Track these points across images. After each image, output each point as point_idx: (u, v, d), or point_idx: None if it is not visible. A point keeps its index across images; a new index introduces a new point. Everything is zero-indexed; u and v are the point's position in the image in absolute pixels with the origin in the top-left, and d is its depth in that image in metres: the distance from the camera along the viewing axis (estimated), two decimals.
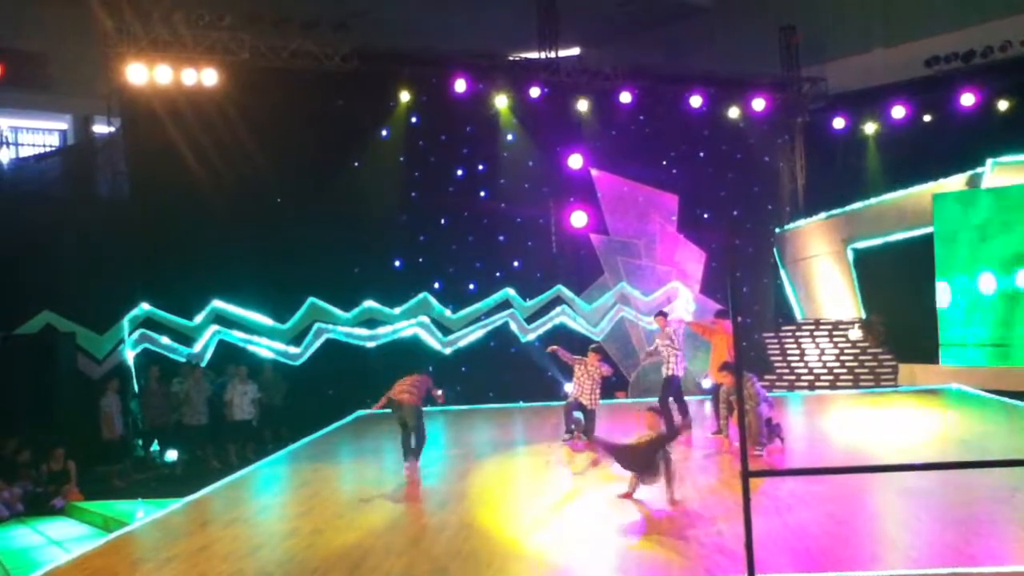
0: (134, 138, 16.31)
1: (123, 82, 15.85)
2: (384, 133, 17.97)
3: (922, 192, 17.89)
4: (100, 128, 18.17)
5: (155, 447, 15.42)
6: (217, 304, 16.48)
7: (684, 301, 18.76)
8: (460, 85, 17.94)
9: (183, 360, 15.87)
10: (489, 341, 18.00)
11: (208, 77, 16.17)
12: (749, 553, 4.43)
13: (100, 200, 16.49)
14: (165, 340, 16.13)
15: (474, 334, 18.19)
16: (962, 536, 7.17)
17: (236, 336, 16.60)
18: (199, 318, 16.38)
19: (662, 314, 12.54)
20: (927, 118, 18.63)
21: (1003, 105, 17.69)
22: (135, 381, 15.16)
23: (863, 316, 18.68)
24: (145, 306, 16.02)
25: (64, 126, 20.12)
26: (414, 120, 18.16)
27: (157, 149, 15.89)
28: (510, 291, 18.46)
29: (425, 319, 17.99)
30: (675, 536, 7.61)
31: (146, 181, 16.14)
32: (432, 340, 17.96)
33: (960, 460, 9.31)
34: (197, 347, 16.27)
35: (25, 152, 19.39)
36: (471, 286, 18.43)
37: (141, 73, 15.75)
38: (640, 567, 6.87)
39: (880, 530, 7.68)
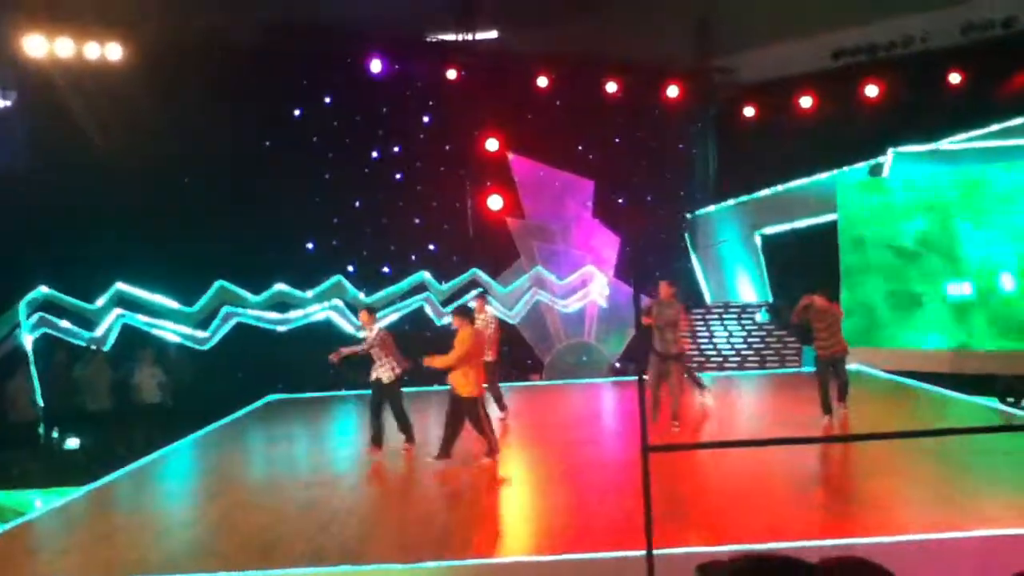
0: (31, 112, 15.66)
1: (20, 54, 15.14)
2: (297, 112, 17.64)
3: (827, 180, 18.45)
4: None
5: (56, 434, 14.91)
6: (120, 287, 15.97)
7: (599, 285, 18.98)
8: (376, 65, 17.71)
9: (84, 344, 15.36)
10: (404, 325, 17.86)
11: (112, 52, 15.59)
12: (648, 529, 4.51)
13: None
14: (65, 324, 15.55)
15: (388, 317, 18.02)
16: (853, 507, 7.48)
17: (141, 320, 16.12)
18: (101, 301, 15.85)
19: (370, 310, 10.88)
20: (833, 108, 19.18)
21: (904, 97, 18.33)
22: (33, 366, 14.60)
23: (770, 300, 19.20)
24: (43, 288, 15.41)
25: None
26: (328, 100, 17.86)
27: (57, 124, 15.25)
28: (425, 274, 18.36)
29: (339, 302, 17.76)
30: (579, 512, 7.73)
31: (45, 157, 15.49)
32: (346, 324, 17.74)
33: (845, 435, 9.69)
34: (99, 331, 15.73)
35: None
36: (385, 269, 18.29)
37: (40, 45, 15.08)
38: (540, 545, 6.95)
39: (778, 503, 7.91)
